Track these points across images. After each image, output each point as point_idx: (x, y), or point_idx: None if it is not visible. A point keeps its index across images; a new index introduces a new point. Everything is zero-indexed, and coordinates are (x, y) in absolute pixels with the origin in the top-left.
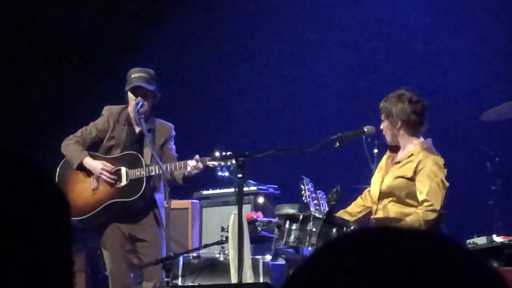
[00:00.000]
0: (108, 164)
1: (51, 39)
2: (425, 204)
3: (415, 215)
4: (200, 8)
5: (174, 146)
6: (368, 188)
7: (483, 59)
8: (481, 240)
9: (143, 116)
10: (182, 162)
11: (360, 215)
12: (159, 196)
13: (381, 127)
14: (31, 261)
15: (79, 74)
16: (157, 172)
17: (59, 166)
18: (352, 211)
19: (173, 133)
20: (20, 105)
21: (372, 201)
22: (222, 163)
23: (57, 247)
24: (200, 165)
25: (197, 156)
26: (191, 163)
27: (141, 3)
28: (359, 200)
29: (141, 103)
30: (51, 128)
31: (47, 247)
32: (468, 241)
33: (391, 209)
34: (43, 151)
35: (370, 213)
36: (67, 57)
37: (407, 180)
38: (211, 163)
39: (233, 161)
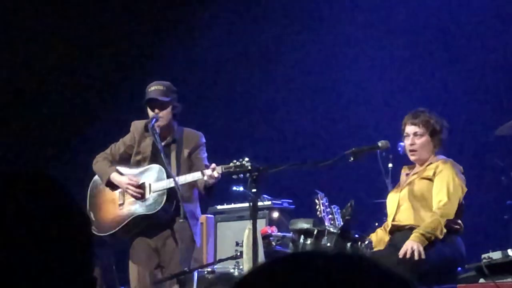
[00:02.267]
0: (134, 179)
1: (74, 54)
2: (442, 203)
3: (434, 215)
4: (223, 20)
5: (204, 155)
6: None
7: (498, 73)
8: (496, 255)
9: (157, 131)
10: (199, 172)
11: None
12: (191, 207)
13: (417, 141)
14: (56, 280)
15: (100, 89)
16: (177, 184)
17: (91, 184)
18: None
19: (203, 140)
20: (41, 122)
21: (390, 213)
22: (238, 169)
23: (80, 266)
24: (216, 173)
25: (213, 165)
26: (207, 172)
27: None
28: (379, 231)
29: (155, 119)
30: (71, 145)
31: (71, 266)
32: (483, 256)
33: (410, 215)
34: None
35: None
36: (85, 72)
37: (429, 181)
38: (226, 170)
39: (249, 168)
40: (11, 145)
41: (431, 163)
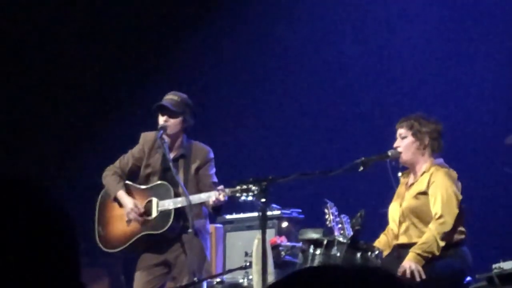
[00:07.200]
0: (139, 205)
1: (82, 64)
2: (436, 217)
3: (428, 232)
4: (226, 30)
5: (212, 171)
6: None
7: (507, 81)
8: (507, 265)
9: (166, 141)
10: (207, 194)
11: (384, 253)
12: (201, 222)
13: (400, 143)
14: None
15: (106, 98)
16: (185, 204)
17: (100, 195)
18: None
19: (211, 156)
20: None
21: (394, 226)
22: (246, 193)
23: (64, 271)
24: (222, 197)
25: (221, 186)
26: (214, 195)
27: (167, 26)
28: (382, 237)
29: (162, 130)
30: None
31: (53, 272)
32: (494, 266)
33: (413, 233)
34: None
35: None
36: (93, 81)
37: (425, 195)
38: (233, 193)
39: (256, 189)
40: (17, 153)
41: (424, 171)
